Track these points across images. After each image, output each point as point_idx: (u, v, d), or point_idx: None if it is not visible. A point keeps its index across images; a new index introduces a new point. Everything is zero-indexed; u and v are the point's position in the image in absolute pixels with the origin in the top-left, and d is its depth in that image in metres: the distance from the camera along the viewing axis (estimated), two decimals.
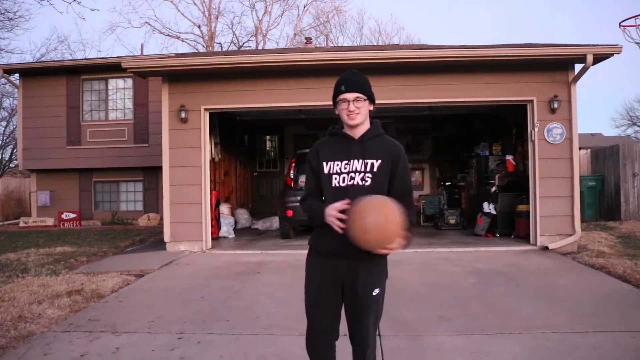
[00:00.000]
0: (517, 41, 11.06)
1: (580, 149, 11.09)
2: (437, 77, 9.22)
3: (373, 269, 2.74)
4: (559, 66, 9.02)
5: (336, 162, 2.75)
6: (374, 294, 2.72)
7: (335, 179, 2.73)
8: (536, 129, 9.01)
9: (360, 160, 2.72)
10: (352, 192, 2.64)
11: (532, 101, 9.09)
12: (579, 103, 9.02)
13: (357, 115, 2.73)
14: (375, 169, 2.70)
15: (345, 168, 2.73)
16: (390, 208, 2.49)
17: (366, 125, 2.81)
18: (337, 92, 2.79)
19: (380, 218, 2.45)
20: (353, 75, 2.82)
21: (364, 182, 2.69)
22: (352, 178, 2.70)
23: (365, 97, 2.75)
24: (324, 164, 2.77)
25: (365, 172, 2.70)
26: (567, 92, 9.01)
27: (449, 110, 12.25)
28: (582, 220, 10.17)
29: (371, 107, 2.81)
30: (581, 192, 10.04)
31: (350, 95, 2.73)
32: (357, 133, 2.79)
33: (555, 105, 8.92)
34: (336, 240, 2.63)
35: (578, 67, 8.91)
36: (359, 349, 2.78)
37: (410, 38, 34.23)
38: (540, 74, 9.07)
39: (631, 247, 8.84)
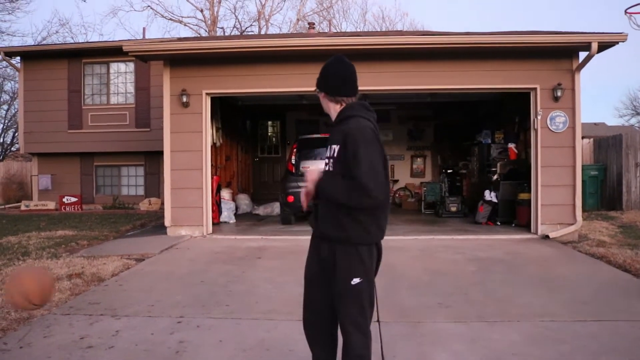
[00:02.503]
0: (521, 29, 10.96)
1: (583, 138, 11.03)
2: (440, 64, 9.16)
3: (352, 257, 2.70)
4: (563, 54, 8.95)
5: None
6: (352, 282, 2.69)
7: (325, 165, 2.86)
8: (539, 117, 8.96)
9: (329, 146, 2.82)
10: None
11: (535, 89, 9.04)
12: (583, 92, 8.99)
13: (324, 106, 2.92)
14: (335, 154, 2.75)
15: (325, 154, 2.87)
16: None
17: (336, 112, 2.90)
18: None
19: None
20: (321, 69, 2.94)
21: (329, 167, 2.79)
22: (326, 164, 2.82)
23: (319, 91, 2.90)
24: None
25: (330, 157, 2.80)
26: (571, 80, 8.95)
27: (451, 97, 12.19)
28: (584, 210, 10.16)
29: (333, 99, 2.88)
30: (583, 182, 10.00)
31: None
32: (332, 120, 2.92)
33: (559, 94, 8.87)
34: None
35: (582, 55, 8.83)
36: (343, 336, 2.78)
37: (414, 24, 34.06)
38: (544, 62, 9.00)
39: (632, 237, 8.83)
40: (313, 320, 2.93)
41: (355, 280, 2.68)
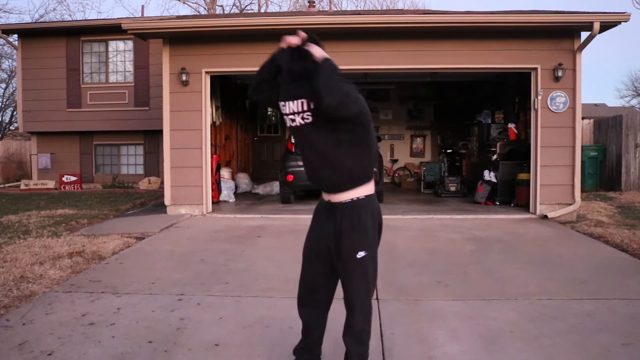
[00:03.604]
0: (523, 8, 10.88)
1: (583, 118, 11.04)
2: (441, 43, 9.10)
3: (356, 230, 2.72)
4: (564, 34, 8.89)
5: None
6: (357, 256, 2.71)
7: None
8: (539, 98, 8.94)
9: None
10: None
11: (536, 69, 9.00)
12: (584, 72, 8.96)
13: None
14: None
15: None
16: None
17: None
18: None
19: None
20: None
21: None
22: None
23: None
24: None
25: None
26: (572, 60, 8.91)
27: (451, 77, 12.15)
28: (583, 190, 10.19)
29: None
30: (582, 162, 10.02)
31: None
32: None
33: (560, 74, 8.83)
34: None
35: (584, 35, 8.78)
36: (348, 312, 2.84)
37: (415, 3, 33.69)
38: (546, 42, 8.95)
39: (630, 218, 8.87)
40: (310, 299, 2.98)
41: (361, 254, 2.71)
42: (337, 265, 2.80)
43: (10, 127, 29.38)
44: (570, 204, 8.88)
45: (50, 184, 15.01)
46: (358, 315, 2.79)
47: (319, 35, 2.78)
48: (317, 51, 2.66)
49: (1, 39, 19.48)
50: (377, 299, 4.52)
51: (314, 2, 16.11)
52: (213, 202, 9.91)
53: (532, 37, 8.94)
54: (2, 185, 16.45)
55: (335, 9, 27.01)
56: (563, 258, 6.14)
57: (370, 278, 2.78)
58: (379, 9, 30.37)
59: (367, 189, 2.77)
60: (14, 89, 27.26)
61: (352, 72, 9.97)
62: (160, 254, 6.44)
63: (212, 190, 9.92)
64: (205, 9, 27.24)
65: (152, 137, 15.46)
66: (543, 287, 4.90)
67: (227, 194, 11.26)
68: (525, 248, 6.71)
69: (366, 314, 2.82)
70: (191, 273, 5.48)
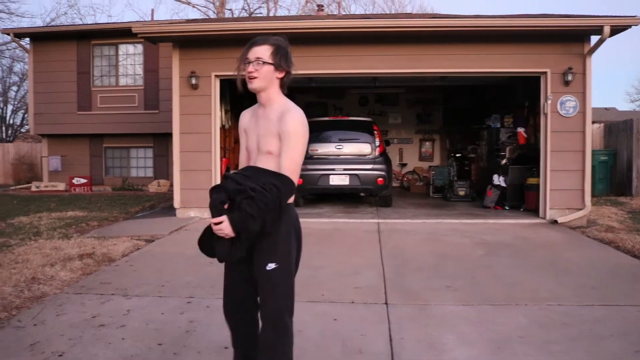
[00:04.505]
0: (533, 12, 10.85)
1: (593, 122, 10.98)
2: (450, 47, 9.10)
3: (264, 241, 2.52)
4: (574, 38, 8.86)
5: None
6: (267, 268, 2.52)
7: None
8: (549, 102, 8.91)
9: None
10: None
11: (545, 73, 8.97)
12: (594, 76, 8.90)
13: None
14: None
15: None
16: None
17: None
18: None
19: None
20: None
21: None
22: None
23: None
24: None
25: None
26: (582, 64, 8.87)
27: (460, 81, 12.09)
28: (593, 195, 10.13)
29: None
30: (593, 167, 9.97)
31: None
32: None
33: (570, 78, 8.80)
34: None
35: (594, 39, 8.73)
36: (263, 325, 2.61)
37: (424, 7, 33.74)
38: (555, 46, 8.92)
39: None
40: (238, 308, 2.77)
41: (271, 266, 2.53)
42: (253, 273, 2.62)
43: (22, 130, 29.64)
44: (581, 209, 8.83)
45: (61, 186, 15.11)
46: (266, 330, 2.56)
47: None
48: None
49: (13, 43, 19.65)
50: (386, 303, 4.53)
51: (322, 6, 16.16)
52: None
53: (541, 41, 8.91)
54: (14, 187, 16.58)
55: (344, 13, 27.05)
56: (573, 263, 6.11)
57: (280, 294, 2.56)
58: (388, 12, 30.38)
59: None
60: (25, 91, 27.51)
61: (361, 76, 10.01)
62: (170, 256, 6.47)
63: None
64: (214, 12, 27.37)
65: (161, 140, 15.54)
66: (553, 293, 4.88)
67: None
68: (535, 253, 6.68)
69: (278, 330, 2.55)
70: (200, 275, 5.49)
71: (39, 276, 5.24)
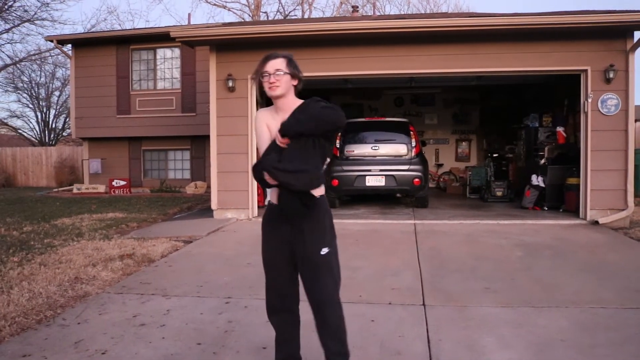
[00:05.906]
0: (569, 8, 10.62)
1: (636, 121, 10.65)
2: (487, 46, 8.99)
3: (315, 229, 2.83)
4: (615, 34, 8.64)
5: None
6: (322, 253, 2.81)
7: None
8: (589, 100, 8.71)
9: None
10: None
11: (586, 71, 8.77)
12: (637, 73, 8.65)
13: None
14: None
15: None
16: None
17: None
18: None
19: None
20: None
21: None
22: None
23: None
24: None
25: None
26: (624, 61, 8.65)
27: (498, 80, 11.94)
28: (636, 195, 9.87)
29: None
30: (635, 166, 9.69)
31: None
32: None
33: (611, 75, 8.58)
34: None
35: (637, 35, 8.53)
36: (318, 311, 2.86)
37: (459, 6, 33.36)
38: (595, 43, 8.72)
39: None
40: (282, 306, 2.99)
41: (325, 250, 2.82)
42: (301, 268, 2.87)
43: (64, 134, 30.42)
44: (623, 210, 8.60)
45: (101, 188, 15.47)
46: (331, 312, 2.85)
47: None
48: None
49: (56, 49, 20.21)
50: (423, 304, 4.49)
51: (357, 7, 16.17)
52: (259, 206, 10.01)
53: (581, 38, 8.72)
54: (56, 190, 17.04)
55: (379, 14, 26.95)
56: (616, 265, 5.95)
57: (335, 274, 2.88)
58: (423, 12, 30.15)
59: (321, 190, 2.86)
60: (67, 96, 28.25)
61: (397, 77, 9.96)
62: (208, 257, 6.56)
63: (258, 194, 10.03)
64: (249, 15, 27.63)
65: (198, 142, 15.77)
66: (595, 295, 4.76)
67: None
68: (575, 255, 6.53)
69: (338, 310, 2.87)
70: (238, 276, 5.55)
71: (82, 276, 5.38)
